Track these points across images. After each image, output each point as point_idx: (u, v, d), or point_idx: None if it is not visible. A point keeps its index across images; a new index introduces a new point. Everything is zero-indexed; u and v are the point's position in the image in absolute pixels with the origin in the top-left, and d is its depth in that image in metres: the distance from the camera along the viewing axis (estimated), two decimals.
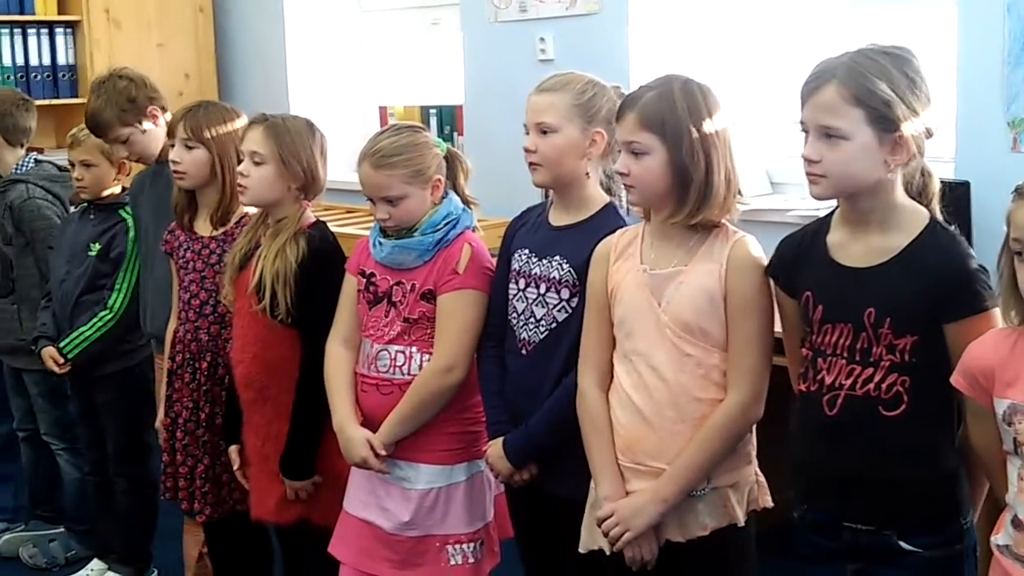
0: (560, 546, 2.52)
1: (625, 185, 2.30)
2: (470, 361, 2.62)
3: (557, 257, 2.49)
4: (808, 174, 2.08)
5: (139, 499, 3.69)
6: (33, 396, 3.92)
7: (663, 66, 4.17)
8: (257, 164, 2.81)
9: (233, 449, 2.98)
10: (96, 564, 3.80)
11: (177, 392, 3.13)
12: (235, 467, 2.97)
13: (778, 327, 2.28)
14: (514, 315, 2.55)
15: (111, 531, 3.78)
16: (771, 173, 4.30)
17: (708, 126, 2.23)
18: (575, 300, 2.46)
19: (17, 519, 4.27)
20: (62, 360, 3.54)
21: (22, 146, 3.95)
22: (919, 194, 2.10)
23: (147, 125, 3.40)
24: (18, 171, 3.89)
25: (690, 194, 2.22)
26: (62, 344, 3.54)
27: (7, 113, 3.90)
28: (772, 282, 2.24)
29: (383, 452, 2.63)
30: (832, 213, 2.17)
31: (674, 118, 2.21)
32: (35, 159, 3.93)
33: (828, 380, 2.09)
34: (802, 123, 2.08)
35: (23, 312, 3.83)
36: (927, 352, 2.02)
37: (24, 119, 3.95)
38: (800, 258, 2.18)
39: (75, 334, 3.53)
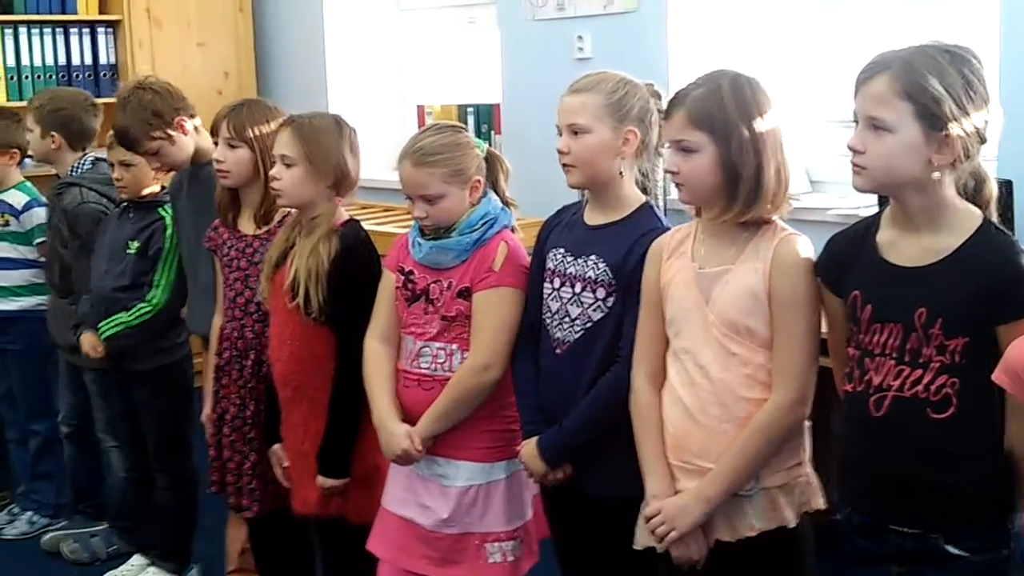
0: (596, 546, 2.52)
1: (675, 183, 2.28)
2: (507, 359, 2.62)
3: (593, 256, 2.48)
4: (852, 164, 2.06)
5: (180, 495, 3.72)
6: (92, 395, 3.95)
7: (702, 64, 4.14)
8: (288, 166, 2.83)
9: (277, 448, 2.99)
10: (137, 559, 3.82)
11: (224, 388, 3.15)
12: (281, 465, 2.98)
13: (823, 326, 2.26)
14: (548, 314, 2.55)
15: (152, 527, 3.81)
16: (810, 171, 4.28)
17: (758, 122, 2.21)
18: (611, 300, 2.45)
19: (59, 515, 4.31)
20: (100, 347, 3.57)
21: (82, 149, 3.97)
22: (973, 196, 2.06)
23: (175, 135, 3.41)
24: (73, 173, 3.92)
25: (740, 192, 2.20)
26: (100, 327, 3.56)
27: (75, 117, 3.93)
28: (819, 281, 2.22)
29: (420, 448, 2.64)
30: (882, 211, 2.14)
31: (723, 115, 2.19)
32: (93, 159, 3.95)
33: (876, 381, 2.06)
34: (854, 112, 2.06)
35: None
36: (977, 354, 1.99)
37: (91, 123, 3.98)
38: (849, 256, 2.15)
39: (113, 318, 3.55)
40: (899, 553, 2.10)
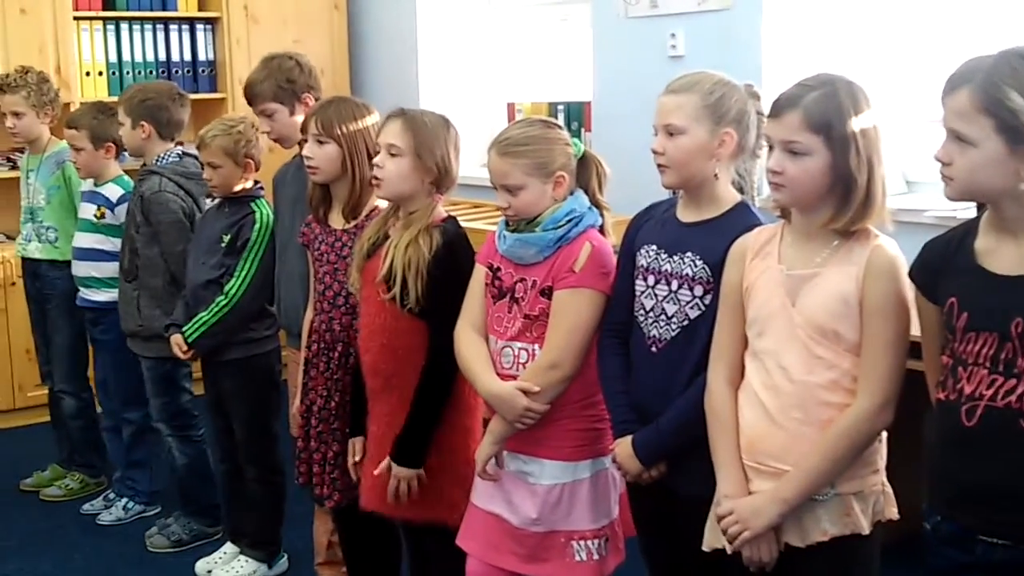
0: (684, 544, 2.50)
1: (775, 184, 2.24)
2: (577, 360, 2.61)
3: (690, 253, 2.46)
4: (940, 174, 2.04)
5: (268, 486, 3.78)
6: (146, 381, 4.06)
7: (796, 62, 4.12)
8: (393, 156, 2.84)
9: (357, 440, 3.02)
10: (229, 547, 3.90)
11: (312, 380, 3.19)
12: (356, 457, 3.00)
13: (916, 332, 2.23)
14: (641, 312, 2.53)
15: (242, 516, 3.88)
16: (906, 172, 4.21)
17: (871, 131, 2.19)
18: (708, 297, 2.43)
19: (153, 502, 4.42)
20: (186, 347, 3.65)
21: (172, 139, 4.06)
22: None
23: (297, 110, 3.51)
24: (157, 163, 4.00)
25: (853, 200, 2.18)
26: (184, 330, 3.64)
27: (163, 107, 4.02)
28: (913, 287, 2.18)
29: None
30: (979, 217, 2.10)
31: (840, 121, 2.17)
32: (181, 153, 4.04)
33: (968, 390, 2.02)
34: (942, 121, 2.03)
35: (142, 300, 3.96)
36: None
37: (179, 113, 4.07)
38: (945, 263, 2.11)
39: (195, 319, 3.63)
40: (987, 564, 2.04)
